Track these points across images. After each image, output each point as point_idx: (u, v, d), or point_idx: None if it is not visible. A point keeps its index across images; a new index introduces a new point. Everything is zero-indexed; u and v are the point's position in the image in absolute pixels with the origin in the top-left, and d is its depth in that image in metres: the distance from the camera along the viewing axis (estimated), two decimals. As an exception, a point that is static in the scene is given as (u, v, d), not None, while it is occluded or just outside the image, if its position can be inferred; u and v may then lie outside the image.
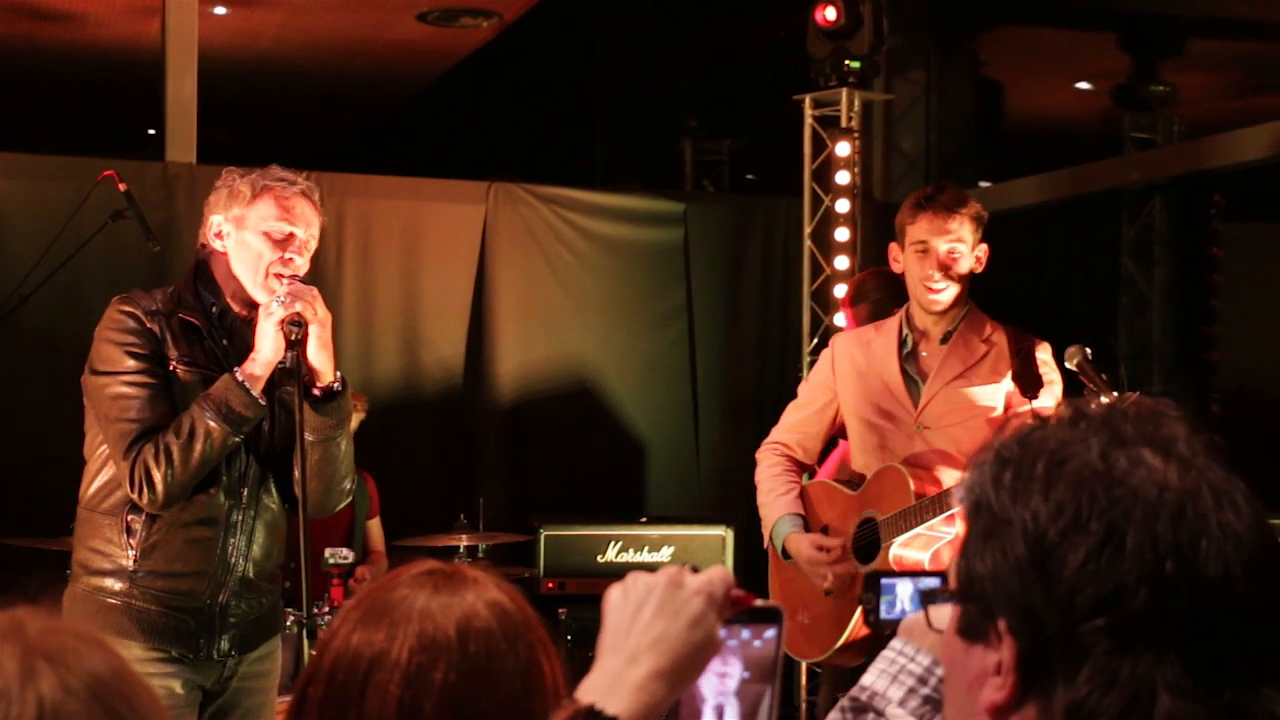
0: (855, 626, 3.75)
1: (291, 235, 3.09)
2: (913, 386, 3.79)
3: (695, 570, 1.30)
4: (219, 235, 3.13)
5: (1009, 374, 3.73)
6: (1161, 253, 7.51)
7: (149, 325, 3.04)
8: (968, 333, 3.79)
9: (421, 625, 1.40)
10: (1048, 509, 1.11)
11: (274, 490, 3.14)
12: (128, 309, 3.05)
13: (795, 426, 4.01)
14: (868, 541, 3.76)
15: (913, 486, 3.64)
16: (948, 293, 3.73)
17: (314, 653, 1.46)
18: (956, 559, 1.20)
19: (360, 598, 1.46)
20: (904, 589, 1.61)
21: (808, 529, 3.90)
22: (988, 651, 1.15)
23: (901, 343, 3.82)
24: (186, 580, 3.04)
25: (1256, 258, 7.88)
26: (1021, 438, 1.17)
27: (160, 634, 3.03)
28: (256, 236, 3.08)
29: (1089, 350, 3.62)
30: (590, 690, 1.23)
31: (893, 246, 3.87)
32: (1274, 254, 7.99)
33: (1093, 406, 1.18)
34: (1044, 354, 3.75)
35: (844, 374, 3.89)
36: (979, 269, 3.78)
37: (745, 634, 1.27)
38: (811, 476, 4.22)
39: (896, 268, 3.85)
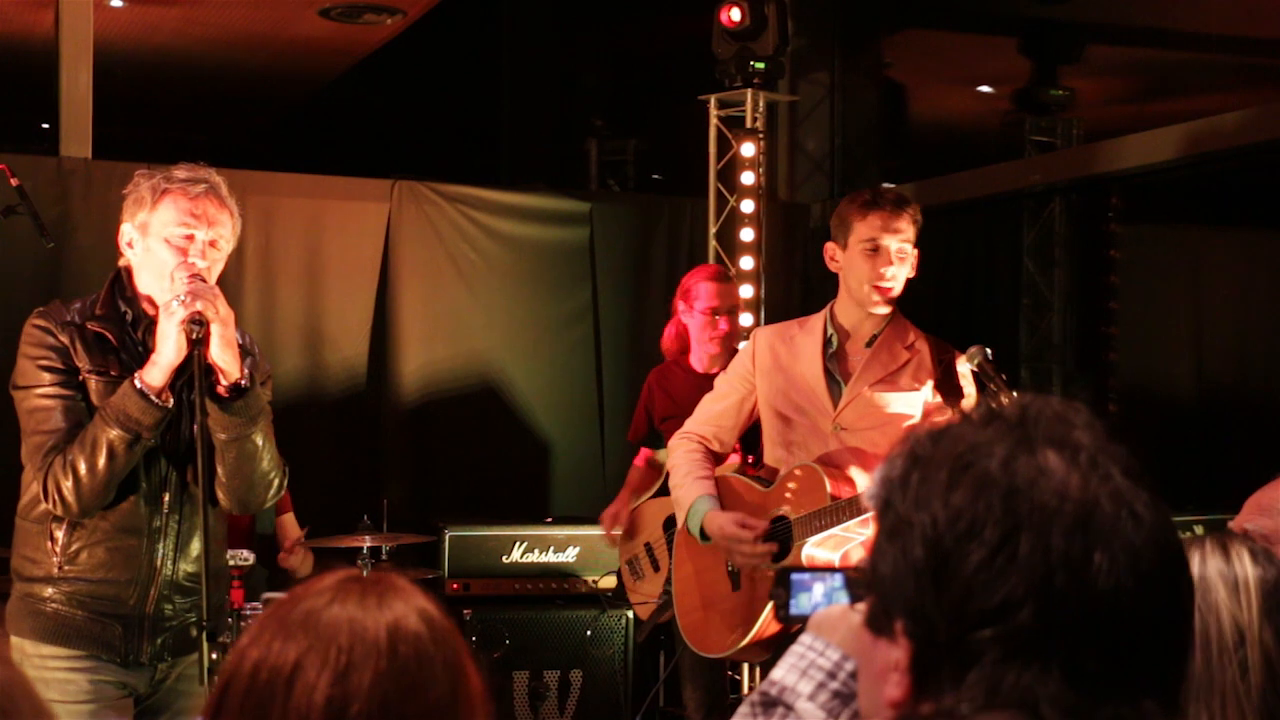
0: (764, 623, 3.74)
1: (191, 238, 3.07)
2: (834, 386, 3.77)
3: None
4: (129, 244, 3.13)
5: (930, 383, 3.74)
6: (1061, 254, 7.61)
7: (60, 338, 3.06)
8: (892, 338, 3.78)
9: (351, 626, 1.37)
10: (946, 514, 1.12)
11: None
12: (41, 323, 3.09)
13: (711, 419, 3.98)
14: (781, 538, 3.76)
15: (829, 488, 3.61)
16: (893, 294, 3.72)
17: (229, 661, 1.42)
18: (869, 552, 1.20)
19: (279, 607, 1.42)
20: (818, 586, 1.61)
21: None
22: (890, 647, 1.16)
23: (826, 342, 3.80)
24: (111, 587, 3.08)
25: (1151, 260, 8.03)
26: (935, 435, 1.18)
27: (86, 640, 3.07)
28: (159, 244, 3.07)
29: (989, 351, 3.67)
30: None
31: (829, 246, 3.81)
32: (1168, 256, 8.14)
33: (1007, 407, 1.18)
34: (964, 367, 3.76)
35: (764, 367, 3.86)
36: (912, 274, 3.77)
37: None
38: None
39: (834, 267, 3.80)
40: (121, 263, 3.16)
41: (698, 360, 5.25)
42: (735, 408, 3.94)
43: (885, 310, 3.74)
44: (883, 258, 3.69)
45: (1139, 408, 7.71)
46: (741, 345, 5.30)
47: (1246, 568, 1.75)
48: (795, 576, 1.60)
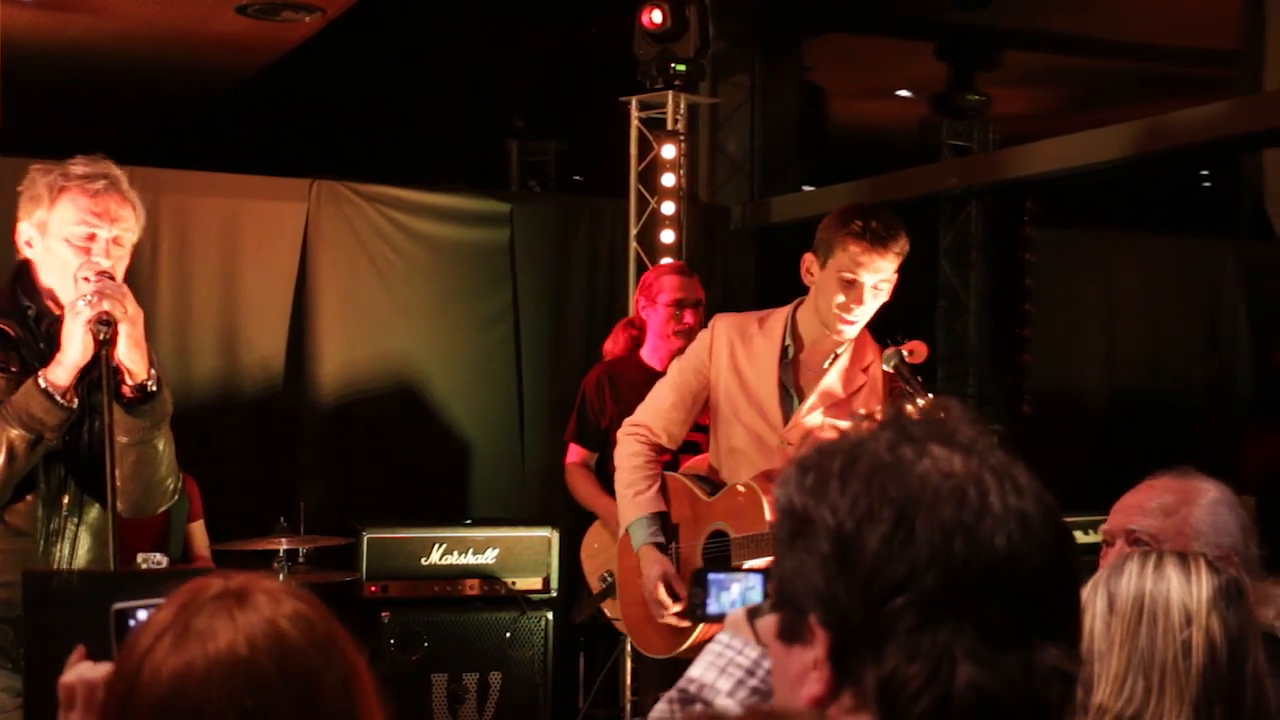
0: (708, 627, 3.70)
1: (94, 237, 3.00)
2: (786, 399, 3.71)
3: None
4: (29, 244, 3.05)
5: (878, 409, 3.70)
6: (977, 257, 7.70)
7: None
8: (850, 360, 3.72)
9: (232, 663, 1.34)
10: (844, 503, 1.19)
11: (97, 495, 3.07)
12: None
13: (662, 413, 3.88)
14: (718, 555, 3.73)
15: (768, 515, 3.56)
16: (859, 326, 3.67)
17: (118, 679, 1.38)
18: (772, 570, 1.25)
19: (159, 630, 1.38)
20: (735, 585, 1.62)
21: (665, 528, 3.83)
22: (805, 650, 1.20)
23: (783, 351, 3.72)
24: (3, 590, 2.98)
25: (1065, 263, 8.14)
26: (818, 446, 1.26)
27: None
28: (59, 243, 3.00)
29: (905, 352, 3.68)
30: None
31: (808, 257, 3.69)
32: (1081, 260, 8.25)
33: (888, 414, 1.28)
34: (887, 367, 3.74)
35: (720, 363, 3.79)
36: (888, 300, 3.70)
37: None
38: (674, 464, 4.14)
39: (808, 281, 3.70)
40: (21, 257, 3.09)
41: (655, 357, 5.14)
42: (688, 401, 3.85)
43: (848, 338, 3.69)
44: (855, 294, 3.60)
45: (1052, 409, 7.82)
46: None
47: (1203, 567, 1.86)
48: (712, 576, 1.61)
